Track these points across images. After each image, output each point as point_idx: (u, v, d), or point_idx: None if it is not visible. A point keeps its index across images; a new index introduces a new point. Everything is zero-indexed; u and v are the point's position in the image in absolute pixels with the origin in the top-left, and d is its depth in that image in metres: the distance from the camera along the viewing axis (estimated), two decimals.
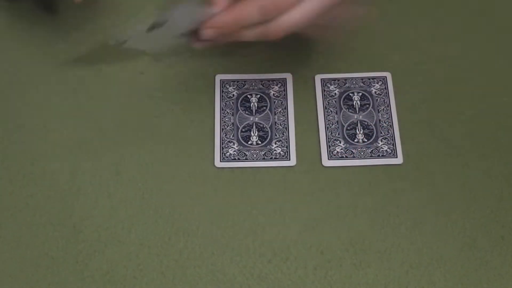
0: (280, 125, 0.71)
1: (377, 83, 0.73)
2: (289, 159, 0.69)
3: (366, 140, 0.70)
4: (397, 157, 0.69)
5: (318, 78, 0.73)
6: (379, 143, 0.70)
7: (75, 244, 0.66)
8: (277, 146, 0.70)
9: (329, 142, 0.70)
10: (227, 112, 0.72)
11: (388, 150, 0.70)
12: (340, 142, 0.70)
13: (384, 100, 0.72)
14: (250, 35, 0.63)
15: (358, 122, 0.71)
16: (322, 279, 0.64)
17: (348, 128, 0.71)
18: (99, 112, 0.72)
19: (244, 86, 0.73)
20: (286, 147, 0.70)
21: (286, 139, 0.70)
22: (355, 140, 0.70)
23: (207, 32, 0.63)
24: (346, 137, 0.70)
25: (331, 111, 0.72)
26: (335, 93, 0.73)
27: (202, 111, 0.72)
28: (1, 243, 0.66)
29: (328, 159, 0.69)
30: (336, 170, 0.69)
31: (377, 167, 0.69)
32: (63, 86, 0.74)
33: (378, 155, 0.69)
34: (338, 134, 0.70)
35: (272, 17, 0.62)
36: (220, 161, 0.69)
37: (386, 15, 0.77)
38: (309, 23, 0.63)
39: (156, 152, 0.70)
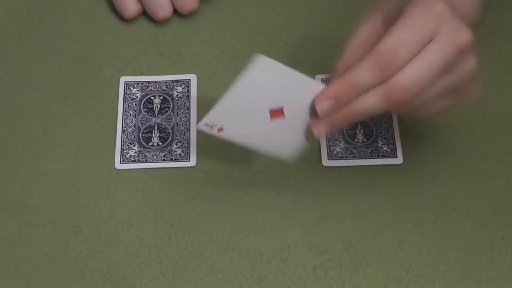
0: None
1: None
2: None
3: (366, 140, 0.70)
4: (397, 157, 0.69)
5: (318, 78, 0.73)
6: (379, 143, 0.70)
7: (75, 244, 0.65)
8: None
9: (329, 142, 0.70)
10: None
11: (388, 150, 0.70)
12: (340, 142, 0.70)
13: None
14: (370, 100, 0.56)
15: (358, 122, 0.71)
16: (322, 279, 0.64)
17: (348, 128, 0.71)
18: (99, 112, 0.72)
19: None
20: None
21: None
22: (355, 140, 0.70)
23: (322, 107, 0.58)
24: (346, 137, 0.70)
25: None
26: None
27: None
28: (1, 243, 0.66)
29: (328, 159, 0.69)
30: (336, 170, 0.69)
31: (377, 167, 0.69)
32: (63, 86, 0.74)
33: (378, 155, 0.69)
34: (338, 134, 0.70)
35: (390, 74, 0.55)
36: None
37: None
38: (433, 79, 0.56)
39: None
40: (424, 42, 0.56)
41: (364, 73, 0.56)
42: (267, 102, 0.60)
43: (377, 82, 0.56)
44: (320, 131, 0.59)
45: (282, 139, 0.62)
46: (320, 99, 0.58)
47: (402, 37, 0.55)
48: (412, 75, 0.55)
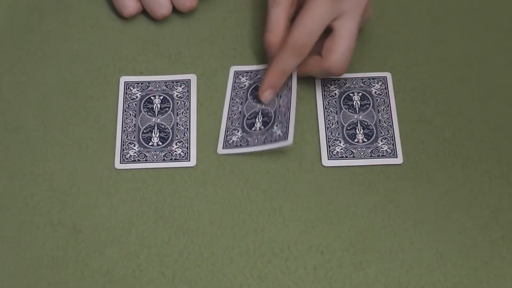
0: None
1: (377, 83, 0.73)
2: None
3: (366, 140, 0.70)
4: (397, 157, 0.69)
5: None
6: (379, 143, 0.70)
7: (75, 244, 0.66)
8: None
9: (329, 142, 0.70)
10: (236, 101, 0.72)
11: (388, 150, 0.70)
12: (340, 142, 0.70)
13: (384, 100, 0.72)
14: (291, 62, 0.69)
15: (358, 122, 0.71)
16: (322, 279, 0.64)
17: (348, 128, 0.71)
18: (99, 112, 0.72)
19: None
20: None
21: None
22: (355, 140, 0.70)
23: (266, 96, 0.70)
24: (346, 137, 0.70)
25: (331, 111, 0.72)
26: (335, 93, 0.73)
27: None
28: (1, 243, 0.66)
29: (328, 159, 0.69)
30: (336, 170, 0.69)
31: (377, 167, 0.69)
32: (63, 86, 0.74)
33: (378, 155, 0.69)
34: (338, 134, 0.70)
35: (307, 54, 0.68)
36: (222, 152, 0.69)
37: (386, 15, 0.77)
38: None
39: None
40: (328, 22, 0.68)
41: (288, 61, 0.68)
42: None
43: (300, 63, 0.69)
44: (266, 96, 0.71)
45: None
46: (261, 91, 0.70)
47: (309, 27, 0.67)
48: (344, 55, 0.69)
